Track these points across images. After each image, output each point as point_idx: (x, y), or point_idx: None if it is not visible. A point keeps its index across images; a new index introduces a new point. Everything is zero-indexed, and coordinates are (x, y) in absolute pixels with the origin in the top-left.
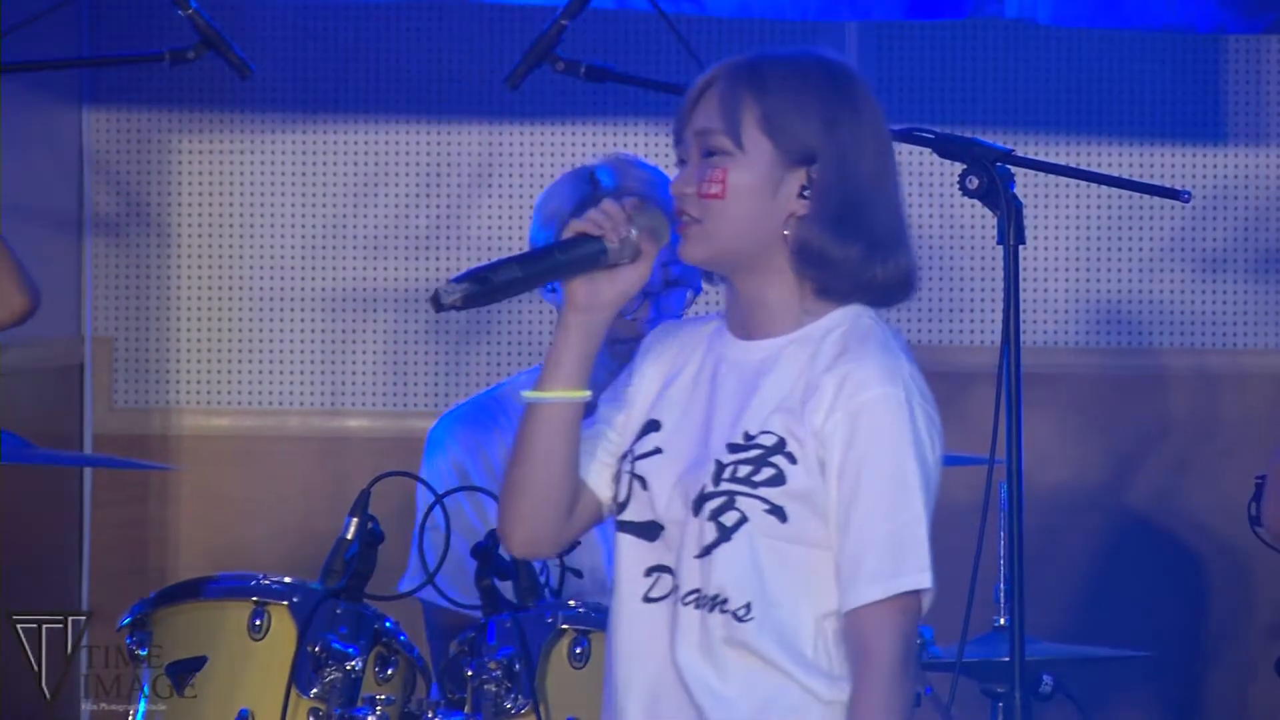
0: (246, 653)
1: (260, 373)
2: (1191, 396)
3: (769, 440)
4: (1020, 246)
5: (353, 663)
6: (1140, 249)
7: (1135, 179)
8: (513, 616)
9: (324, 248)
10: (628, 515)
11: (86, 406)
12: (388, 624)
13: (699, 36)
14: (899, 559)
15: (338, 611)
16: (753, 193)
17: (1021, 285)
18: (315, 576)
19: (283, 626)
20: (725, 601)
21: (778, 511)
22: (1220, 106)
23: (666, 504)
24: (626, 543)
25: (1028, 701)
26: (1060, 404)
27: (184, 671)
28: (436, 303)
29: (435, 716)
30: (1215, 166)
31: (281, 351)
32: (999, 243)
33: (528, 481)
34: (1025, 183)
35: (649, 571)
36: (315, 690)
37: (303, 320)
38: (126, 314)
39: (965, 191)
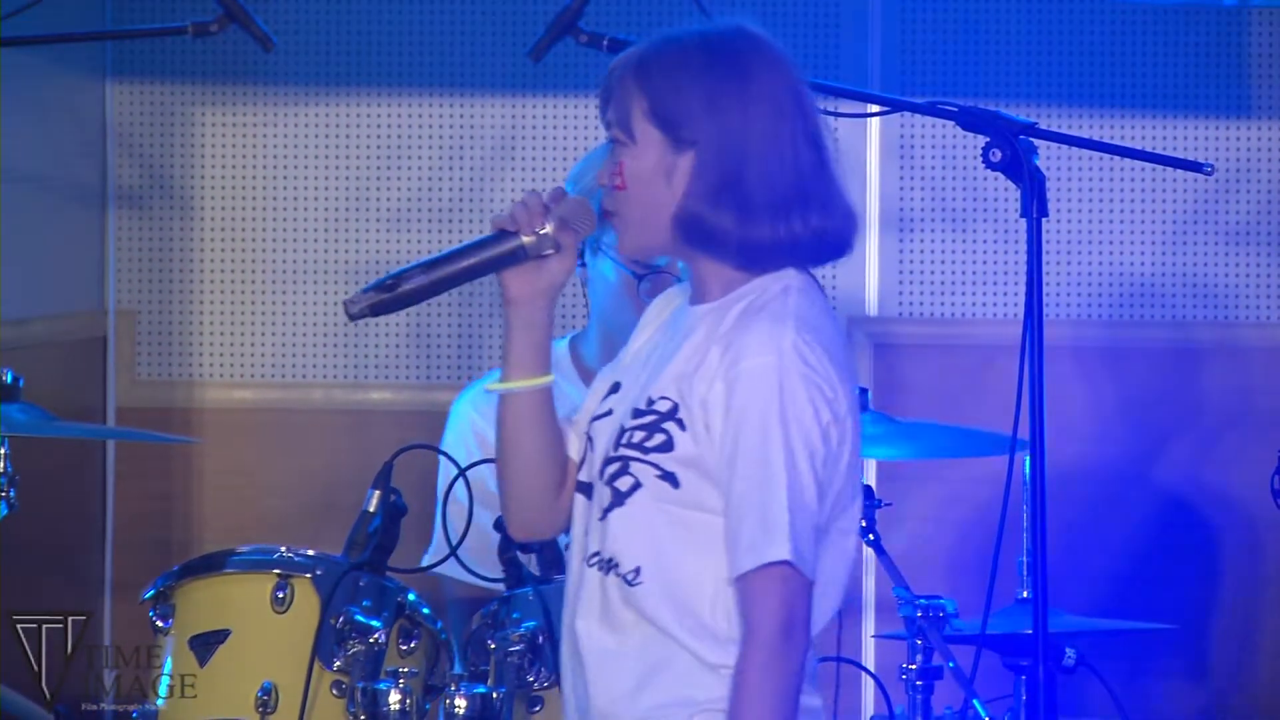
0: (269, 625)
1: (283, 345)
2: (1214, 369)
3: (665, 406)
4: (1043, 219)
5: (376, 635)
6: (1163, 222)
7: (1159, 152)
8: (536, 589)
9: (347, 220)
10: (580, 475)
11: (109, 379)
12: (411, 597)
13: (722, 9)
14: (767, 529)
15: (361, 584)
16: (649, 181)
17: (1044, 258)
18: (339, 549)
19: (306, 599)
20: (617, 565)
21: (669, 477)
22: (1244, 79)
23: (597, 466)
24: (579, 503)
25: (1051, 674)
26: (1083, 377)
27: (207, 644)
28: (347, 312)
29: (458, 689)
30: (1239, 139)
31: (305, 324)
32: (1022, 215)
33: (510, 471)
34: (1048, 155)
35: (587, 531)
36: (338, 663)
37: (326, 293)
38: (150, 287)
39: (988, 164)
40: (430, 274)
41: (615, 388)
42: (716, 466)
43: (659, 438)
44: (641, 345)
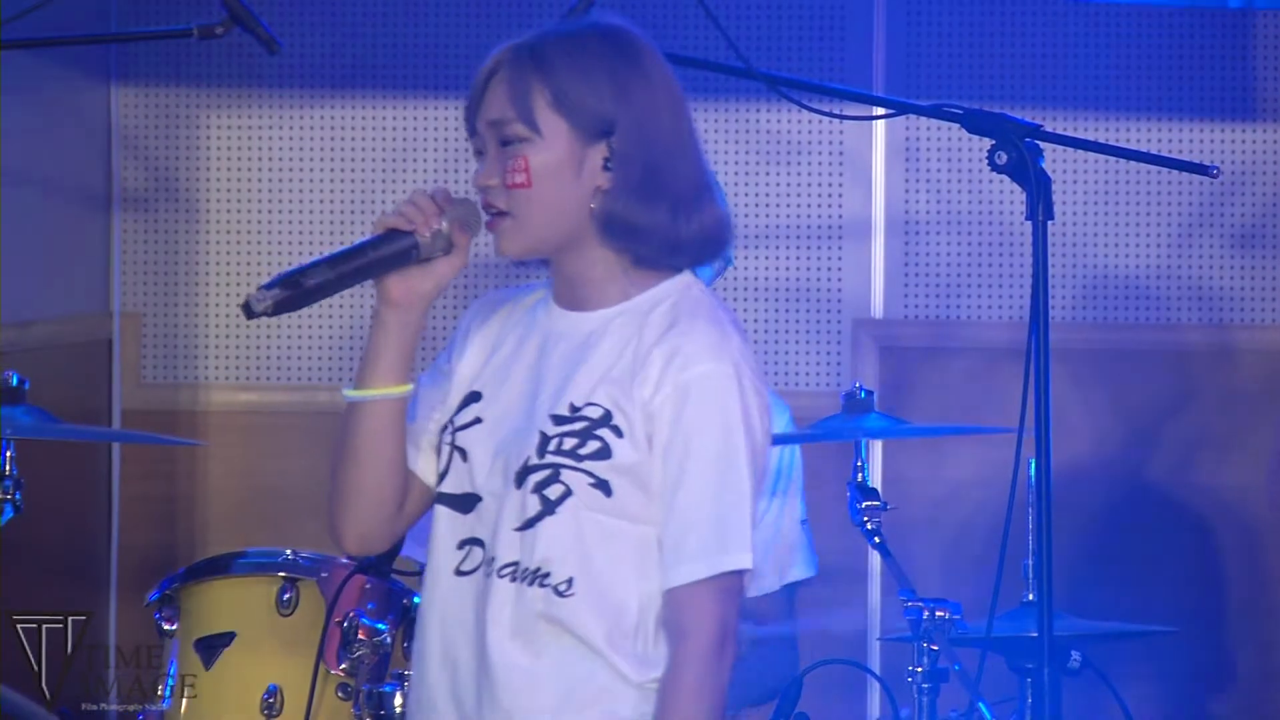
0: (275, 628)
1: (289, 348)
2: (1215, 372)
3: (595, 413)
4: (1049, 222)
5: (381, 638)
6: (1167, 224)
7: (1163, 154)
8: None
9: (352, 223)
10: (445, 487)
11: (115, 382)
12: (416, 599)
13: (727, 10)
14: (723, 538)
15: (366, 587)
16: (558, 175)
17: (1049, 260)
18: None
19: (311, 602)
20: (547, 575)
21: (603, 485)
22: (1249, 82)
23: (486, 475)
24: (442, 515)
25: (1056, 677)
26: (1085, 379)
27: (212, 646)
28: (248, 310)
29: None
30: (1243, 142)
31: (310, 326)
32: (1028, 218)
33: (357, 482)
34: (1053, 158)
35: (462, 544)
36: (344, 665)
37: (331, 296)
38: (155, 289)
39: (994, 167)
40: (335, 268)
41: (474, 397)
42: (652, 474)
43: (594, 445)
44: (498, 353)
